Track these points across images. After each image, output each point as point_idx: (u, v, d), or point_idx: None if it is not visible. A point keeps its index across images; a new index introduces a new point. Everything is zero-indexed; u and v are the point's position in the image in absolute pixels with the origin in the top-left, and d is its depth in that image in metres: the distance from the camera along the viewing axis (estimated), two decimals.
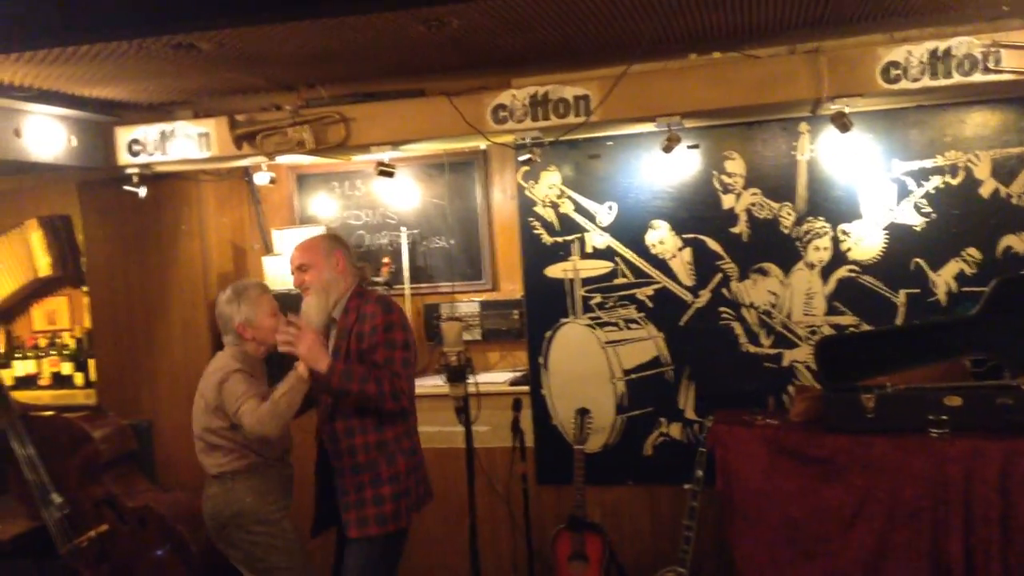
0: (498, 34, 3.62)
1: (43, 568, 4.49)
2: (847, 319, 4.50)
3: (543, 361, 4.87)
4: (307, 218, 5.56)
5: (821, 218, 4.50)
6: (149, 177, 4.94)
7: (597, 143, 4.71)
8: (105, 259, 5.42)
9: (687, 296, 4.66)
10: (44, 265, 5.89)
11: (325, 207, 5.56)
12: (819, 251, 4.52)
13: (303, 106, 4.58)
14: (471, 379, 4.10)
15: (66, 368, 5.95)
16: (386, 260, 5.32)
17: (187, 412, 5.26)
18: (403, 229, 5.37)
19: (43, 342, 6.06)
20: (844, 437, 3.97)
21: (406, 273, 5.33)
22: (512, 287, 5.25)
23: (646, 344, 4.72)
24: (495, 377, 5.00)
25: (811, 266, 4.53)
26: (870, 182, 4.45)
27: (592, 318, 4.78)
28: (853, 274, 4.49)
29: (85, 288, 5.72)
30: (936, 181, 4.38)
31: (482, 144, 4.96)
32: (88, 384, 5.83)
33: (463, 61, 4.08)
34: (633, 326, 4.73)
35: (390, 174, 4.73)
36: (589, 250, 4.78)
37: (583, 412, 4.69)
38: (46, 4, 2.44)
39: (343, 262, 3.62)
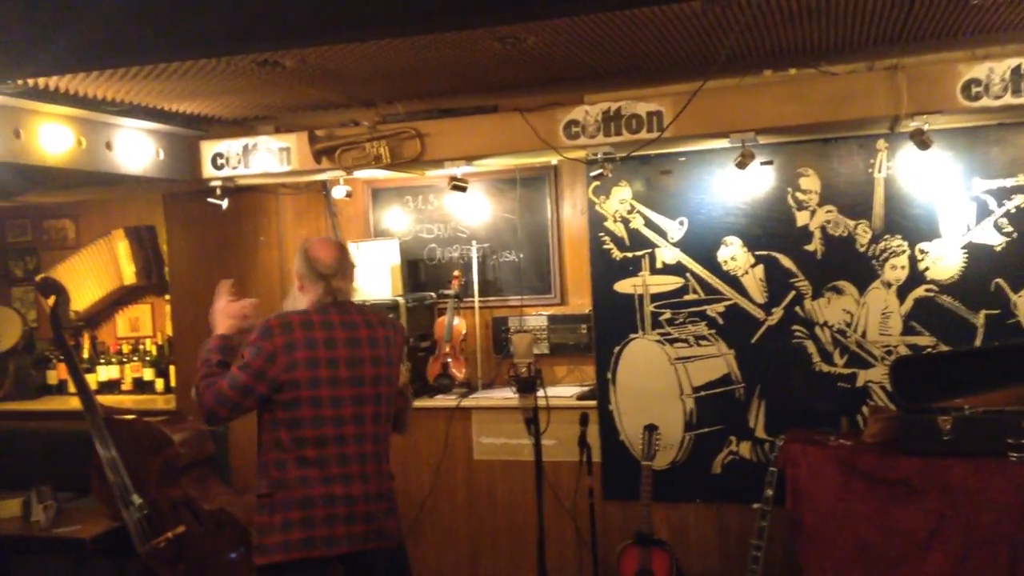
0: (572, 51, 3.66)
1: (122, 567, 4.61)
2: (924, 339, 4.41)
3: (611, 376, 4.86)
4: (381, 231, 5.65)
5: (898, 236, 4.43)
6: (231, 189, 5.08)
7: (669, 159, 4.71)
8: (187, 268, 5.58)
9: (759, 313, 4.62)
10: (129, 273, 6.10)
11: (398, 221, 5.64)
12: (896, 270, 4.44)
13: (380, 122, 4.67)
14: (540, 391, 4.13)
15: (148, 374, 6.15)
16: (456, 273, 5.37)
17: (256, 418, 5.43)
18: (474, 243, 5.41)
19: (126, 348, 6.27)
20: (920, 459, 3.89)
21: (476, 286, 5.37)
22: (580, 301, 5.25)
23: (716, 361, 4.68)
24: (562, 391, 5.00)
25: (888, 285, 4.46)
26: (949, 200, 4.36)
27: (661, 334, 4.76)
28: (931, 294, 4.40)
29: (167, 296, 5.90)
30: (1018, 200, 4.27)
31: (553, 159, 5.01)
32: (168, 389, 6.02)
33: (537, 77, 4.12)
34: (703, 343, 4.70)
35: (463, 189, 4.79)
36: (659, 266, 4.76)
37: (651, 428, 4.67)
38: (137, 23, 2.55)
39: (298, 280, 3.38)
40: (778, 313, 4.59)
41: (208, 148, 4.99)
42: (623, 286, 4.83)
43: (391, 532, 3.22)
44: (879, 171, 4.44)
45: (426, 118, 4.61)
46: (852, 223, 4.49)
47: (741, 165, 4.22)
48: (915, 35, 3.67)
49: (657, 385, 4.76)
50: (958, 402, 3.99)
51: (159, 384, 6.11)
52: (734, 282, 4.65)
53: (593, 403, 4.87)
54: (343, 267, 3.30)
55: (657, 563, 4.51)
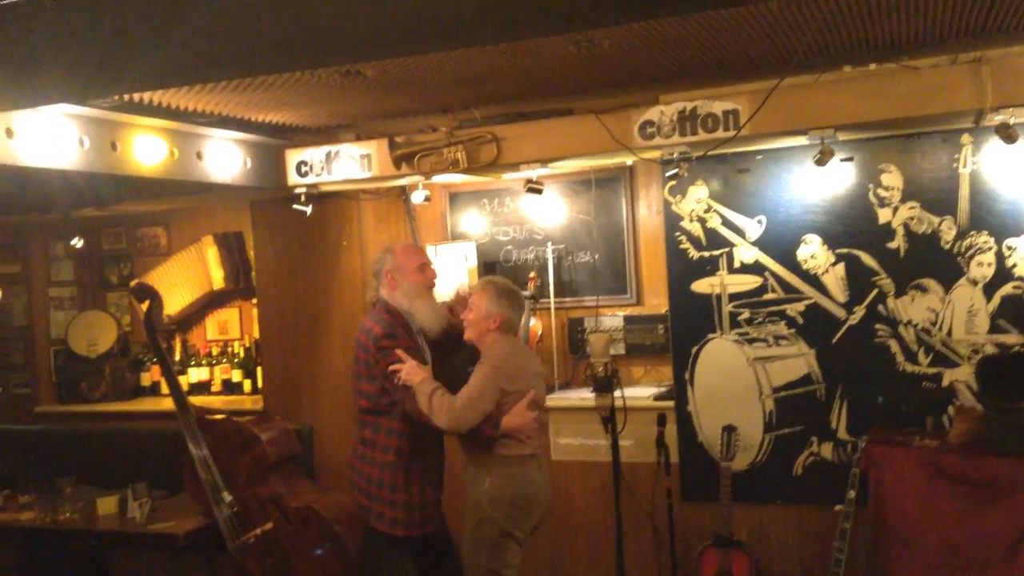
0: (647, 52, 3.66)
1: (213, 562, 4.75)
2: (1012, 338, 4.28)
3: (688, 377, 4.83)
4: (458, 234, 5.71)
5: (985, 232, 4.31)
6: (315, 196, 5.20)
7: (746, 157, 4.67)
8: (273, 273, 5.73)
9: (840, 312, 4.55)
10: (218, 278, 6.26)
11: (475, 224, 5.70)
12: (982, 267, 4.32)
13: (457, 127, 4.73)
14: (617, 391, 4.13)
15: (236, 375, 6.31)
16: (532, 275, 5.40)
17: (345, 419, 5.53)
18: (549, 244, 5.44)
19: (215, 351, 6.45)
20: (1008, 460, 3.78)
21: (551, 287, 5.39)
22: (657, 302, 5.23)
23: (796, 361, 4.62)
24: (639, 392, 4.99)
25: (974, 282, 4.34)
26: None
27: (740, 334, 4.72)
28: (1019, 291, 4.27)
29: (254, 300, 6.06)
30: None
31: (628, 160, 5.00)
32: (255, 390, 6.17)
33: (611, 79, 4.13)
34: (783, 342, 4.65)
35: (538, 191, 4.81)
36: (737, 265, 4.72)
37: (730, 429, 4.63)
38: (226, 39, 2.64)
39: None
40: (860, 312, 4.51)
41: (293, 156, 5.11)
42: (700, 286, 4.81)
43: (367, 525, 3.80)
44: (964, 166, 4.33)
45: (502, 122, 4.66)
46: (936, 219, 4.39)
47: (820, 162, 4.16)
48: (999, 27, 3.57)
49: (736, 386, 4.72)
50: None
51: (247, 385, 6.27)
52: (814, 281, 4.58)
53: (671, 403, 4.85)
54: (374, 268, 3.87)
55: (737, 565, 4.47)
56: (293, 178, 5.12)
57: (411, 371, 3.55)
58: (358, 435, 3.84)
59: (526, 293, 5.30)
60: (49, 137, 3.78)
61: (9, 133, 3.61)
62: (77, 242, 5.98)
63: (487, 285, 3.72)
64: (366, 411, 3.76)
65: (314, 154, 5.05)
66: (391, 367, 3.59)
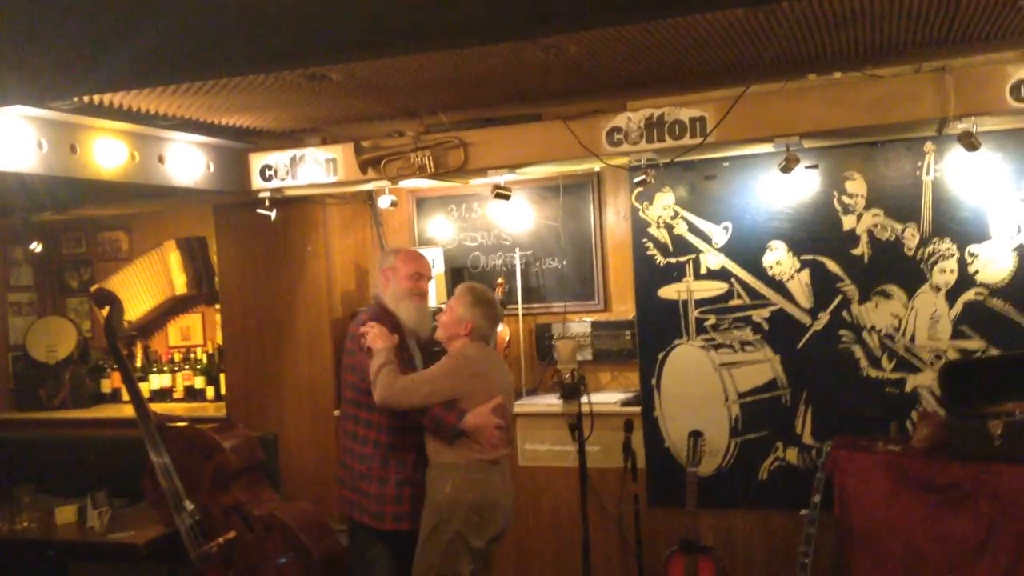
0: (615, 59, 3.66)
1: (175, 572, 4.66)
2: (974, 343, 4.33)
3: (655, 383, 4.84)
4: (425, 240, 5.69)
5: (947, 239, 4.37)
6: (279, 200, 5.16)
7: (713, 164, 4.69)
8: (237, 278, 5.67)
9: (805, 318, 4.58)
10: (180, 284, 6.20)
11: (442, 229, 5.68)
12: (945, 273, 4.38)
13: (424, 132, 4.70)
14: (584, 398, 4.13)
15: (199, 382, 6.24)
16: (500, 281, 5.39)
17: (310, 426, 5.51)
18: (517, 250, 5.44)
19: (178, 357, 6.37)
20: (970, 465, 3.82)
21: (519, 293, 5.40)
22: (624, 307, 5.25)
23: (762, 367, 4.65)
24: (606, 398, 5.00)
25: (936, 288, 4.39)
26: (999, 203, 4.29)
27: (706, 340, 4.74)
28: (980, 297, 4.33)
29: (218, 306, 5.98)
30: None
31: (596, 166, 5.02)
32: (219, 397, 6.10)
33: (579, 85, 4.12)
34: (748, 348, 4.67)
35: (506, 197, 4.80)
36: (703, 271, 4.74)
37: (696, 435, 4.64)
38: (189, 41, 2.61)
39: None
40: (824, 318, 4.54)
41: (257, 160, 5.07)
42: (667, 292, 4.82)
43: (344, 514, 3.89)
44: (927, 174, 4.39)
45: (469, 127, 4.65)
46: (900, 226, 4.43)
47: (786, 169, 4.18)
48: (962, 37, 3.61)
49: (702, 391, 4.74)
50: (1009, 407, 3.92)
51: (210, 392, 6.19)
52: (779, 287, 4.61)
53: (637, 409, 4.86)
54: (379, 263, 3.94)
55: (703, 570, 4.48)
56: (257, 182, 5.07)
57: (376, 336, 3.57)
58: (342, 428, 3.87)
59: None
60: (6, 140, 3.70)
61: None
62: (36, 247, 5.89)
63: (466, 291, 3.74)
64: (349, 402, 3.80)
65: (279, 158, 5.02)
66: (361, 328, 3.63)
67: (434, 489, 3.61)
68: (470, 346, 3.65)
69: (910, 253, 4.42)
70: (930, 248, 4.39)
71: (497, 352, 4.04)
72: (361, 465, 3.73)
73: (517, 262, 5.41)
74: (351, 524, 3.84)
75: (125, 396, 6.08)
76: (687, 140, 4.22)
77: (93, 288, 4.87)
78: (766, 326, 4.64)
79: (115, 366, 6.27)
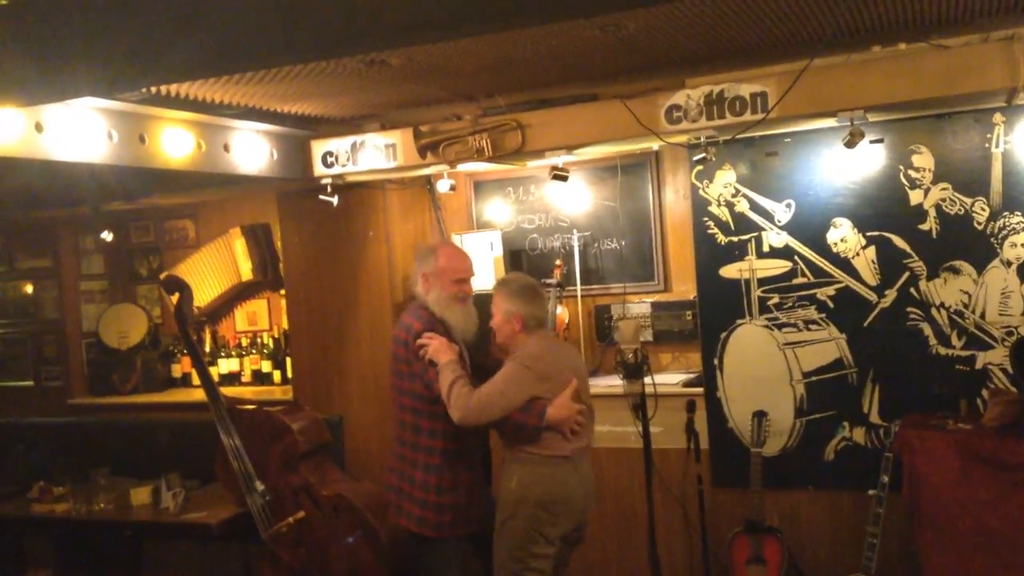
0: (673, 35, 3.62)
1: (247, 551, 4.78)
2: None
3: (718, 363, 4.80)
4: (483, 223, 5.72)
5: (1018, 213, 4.24)
6: (340, 186, 5.22)
7: (774, 140, 4.62)
8: (300, 264, 5.75)
9: (871, 296, 4.50)
10: (246, 270, 6.31)
11: (500, 212, 5.70)
12: (1016, 247, 4.26)
13: (482, 115, 4.72)
14: (647, 378, 4.11)
15: (265, 366, 6.37)
16: (558, 263, 5.40)
17: (374, 408, 5.56)
18: (575, 232, 5.44)
19: (245, 342, 6.50)
20: None
21: (578, 275, 5.40)
22: (684, 288, 5.22)
23: (827, 346, 4.58)
24: (668, 378, 4.98)
25: (1007, 263, 4.28)
26: None
27: (769, 319, 4.69)
28: None
29: (283, 291, 6.09)
30: None
31: (655, 145, 4.98)
32: (285, 381, 6.22)
33: (637, 63, 4.10)
34: (813, 327, 4.61)
35: (564, 178, 4.80)
36: (766, 249, 4.68)
37: (760, 415, 4.60)
38: (253, 30, 2.65)
39: None
40: (891, 295, 4.46)
41: (318, 147, 5.13)
42: (729, 271, 4.78)
43: (397, 523, 3.81)
44: (996, 146, 4.26)
45: (526, 109, 4.65)
46: (969, 200, 4.32)
47: (850, 144, 4.11)
48: None
49: (766, 371, 4.69)
50: None
51: (276, 376, 6.31)
52: (844, 264, 4.54)
53: (700, 390, 4.83)
54: (416, 259, 3.82)
55: (769, 550, 4.45)
56: (319, 169, 5.13)
57: (438, 349, 3.53)
58: (397, 436, 3.77)
59: (551, 281, 5.30)
60: (78, 131, 3.80)
61: (39, 127, 3.64)
62: (106, 236, 6.03)
63: (499, 287, 3.69)
64: (409, 410, 3.69)
65: (339, 144, 5.07)
66: (418, 341, 3.57)
67: (502, 484, 3.60)
68: (530, 342, 3.59)
69: (980, 227, 4.31)
70: (1000, 222, 4.27)
71: (559, 338, 4.00)
72: (428, 475, 3.64)
73: (575, 243, 5.41)
74: (413, 536, 3.72)
75: (195, 380, 6.17)
76: (748, 116, 4.17)
77: (163, 275, 5.00)
78: (831, 304, 4.57)
79: (185, 351, 6.42)
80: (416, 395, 3.65)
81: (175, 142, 4.25)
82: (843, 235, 4.54)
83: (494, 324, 3.67)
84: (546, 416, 3.45)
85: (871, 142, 4.36)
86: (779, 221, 4.66)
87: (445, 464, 3.65)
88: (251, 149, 4.75)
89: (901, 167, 4.42)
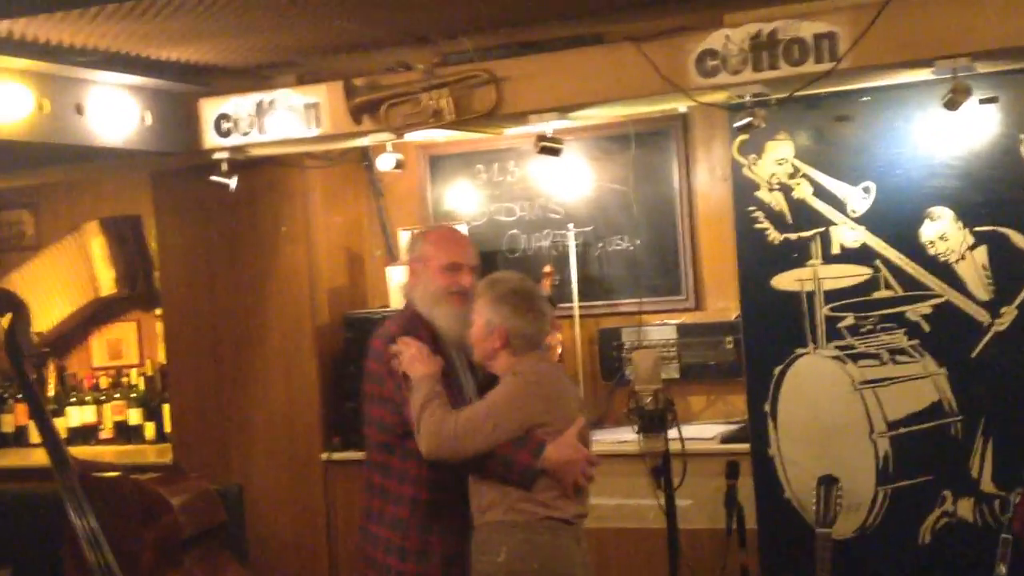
0: None
1: None
2: None
3: (769, 409, 4.80)
4: (443, 214, 5.69)
5: None
6: (241, 164, 5.17)
7: (847, 99, 4.63)
8: (185, 273, 5.69)
9: (982, 315, 4.51)
10: (107, 281, 6.24)
11: (466, 199, 5.68)
12: None
13: (440, 63, 4.70)
14: (671, 431, 4.10)
15: (133, 416, 6.28)
16: (548, 269, 5.37)
17: (288, 474, 5.49)
18: (571, 226, 5.43)
19: (104, 382, 6.42)
20: None
21: (575, 286, 5.38)
22: (723, 304, 5.24)
23: (921, 384, 4.58)
24: (700, 431, 4.98)
25: None
26: None
27: (841, 348, 4.69)
28: None
29: (159, 311, 6.04)
30: None
31: (682, 106, 4.99)
32: (161, 437, 6.14)
33: None
34: (902, 359, 4.61)
35: (556, 151, 4.78)
36: (836, 251, 4.69)
37: (829, 481, 4.59)
38: None
39: None
40: (1010, 314, 4.48)
41: (210, 108, 5.09)
42: (784, 281, 4.77)
43: None
44: None
45: (503, 56, 4.64)
46: None
47: (952, 105, 4.12)
48: None
49: (836, 420, 4.69)
50: None
51: (149, 429, 6.24)
52: (945, 271, 4.55)
53: (745, 447, 4.83)
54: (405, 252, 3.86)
55: None
56: (211, 139, 5.10)
57: (414, 359, 3.52)
58: (365, 479, 3.78)
59: None
60: None
61: None
62: None
63: (485, 287, 3.67)
64: (376, 447, 3.73)
65: (239, 104, 5.04)
66: (391, 348, 3.57)
67: (482, 558, 3.56)
68: (524, 362, 3.59)
69: None
70: None
71: (553, 362, 3.98)
72: (393, 533, 3.63)
73: (571, 243, 5.40)
74: None
75: (35, 436, 6.11)
76: (811, 66, 4.19)
77: None
78: (926, 327, 4.58)
79: (20, 396, 6.31)
80: (385, 426, 3.65)
81: (5, 101, 4.19)
82: (942, 231, 4.55)
83: (471, 336, 3.65)
84: (544, 455, 3.43)
85: (981, 102, 4.37)
86: (854, 212, 4.66)
87: (415, 521, 3.64)
88: (114, 111, 4.70)
89: (1023, 136, 4.44)
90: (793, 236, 4.76)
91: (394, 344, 3.60)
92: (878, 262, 4.64)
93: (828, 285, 4.71)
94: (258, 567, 5.32)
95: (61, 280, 6.35)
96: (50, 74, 4.39)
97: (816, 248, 4.72)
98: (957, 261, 4.55)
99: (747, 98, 4.36)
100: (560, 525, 3.51)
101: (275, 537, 5.43)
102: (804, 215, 4.73)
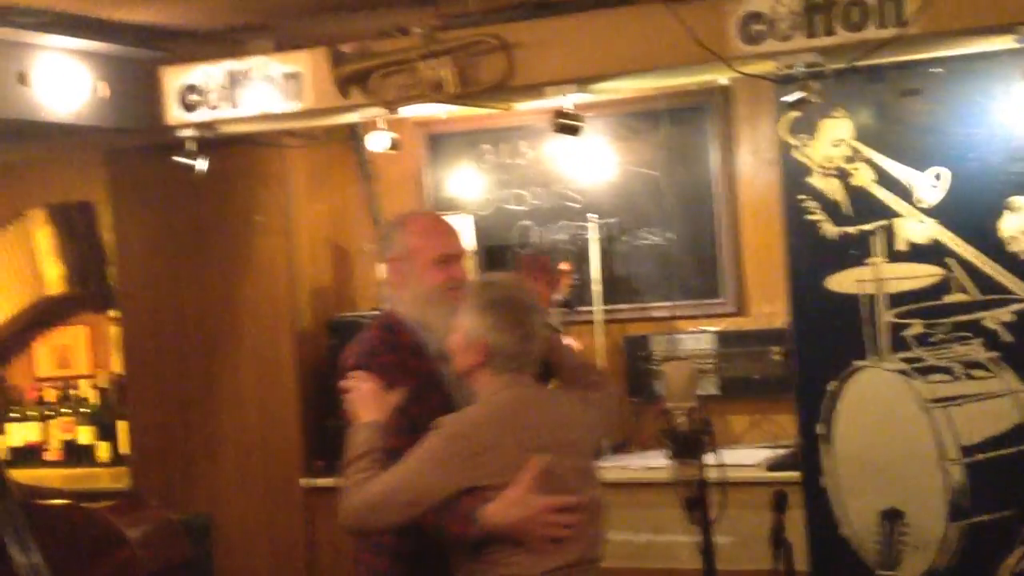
0: None
1: None
2: None
3: (824, 432, 4.80)
4: (443, 202, 5.69)
5: None
6: (211, 143, 5.18)
7: (916, 71, 4.63)
8: (144, 269, 5.72)
9: None
10: (53, 278, 6.24)
11: (471, 185, 5.70)
12: None
13: (441, 27, 4.71)
14: (708, 456, 4.09)
15: (84, 434, 6.27)
16: (565, 266, 5.36)
17: (263, 501, 5.51)
18: (592, 217, 5.44)
19: (51, 395, 6.41)
20: None
21: (596, 287, 5.39)
22: (769, 309, 5.24)
23: (1001, 403, 4.57)
24: (742, 456, 4.99)
25: None
26: None
27: (907, 360, 4.68)
28: None
29: (114, 313, 6.03)
30: None
31: (722, 78, 4.99)
32: (117, 459, 6.14)
33: None
34: (979, 373, 4.60)
35: (575, 130, 4.78)
36: (902, 247, 4.68)
37: (893, 516, 4.60)
38: None
39: None
40: None
41: (174, 78, 5.11)
42: (841, 282, 4.77)
43: None
44: None
45: (514, 19, 4.66)
46: None
47: None
48: None
49: (901, 445, 4.69)
50: None
51: (103, 450, 6.24)
52: None
53: (795, 475, 4.83)
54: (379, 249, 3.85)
55: None
56: (175, 114, 5.12)
57: (364, 400, 3.48)
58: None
59: (553, 298, 5.25)
60: None
61: None
62: None
63: (473, 291, 3.64)
64: None
65: (209, 74, 5.06)
66: (342, 383, 3.53)
67: None
68: (490, 391, 3.53)
69: None
70: None
71: (549, 389, 3.87)
72: None
73: (593, 236, 5.40)
74: None
75: None
76: (873, 32, 4.21)
77: None
78: (1007, 337, 4.57)
79: None
80: None
81: None
82: None
83: (449, 345, 3.62)
84: (484, 514, 3.37)
85: None
86: (922, 202, 4.66)
87: (394, 572, 3.63)
88: (62, 81, 4.72)
89: None
90: (852, 230, 4.75)
91: (346, 371, 3.51)
92: (950, 260, 4.63)
93: (892, 287, 4.71)
94: None
95: (0, 277, 6.36)
96: None
97: (878, 244, 4.72)
98: None
99: (798, 69, 4.36)
100: None
101: (248, 572, 5.42)
102: (864, 205, 4.73)
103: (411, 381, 3.48)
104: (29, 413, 6.40)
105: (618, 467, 5.05)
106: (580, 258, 5.44)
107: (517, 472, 3.29)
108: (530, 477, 3.27)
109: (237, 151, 5.43)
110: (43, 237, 6.25)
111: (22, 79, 4.56)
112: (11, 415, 6.41)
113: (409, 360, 3.56)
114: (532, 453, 3.33)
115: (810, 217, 4.80)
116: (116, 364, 6.11)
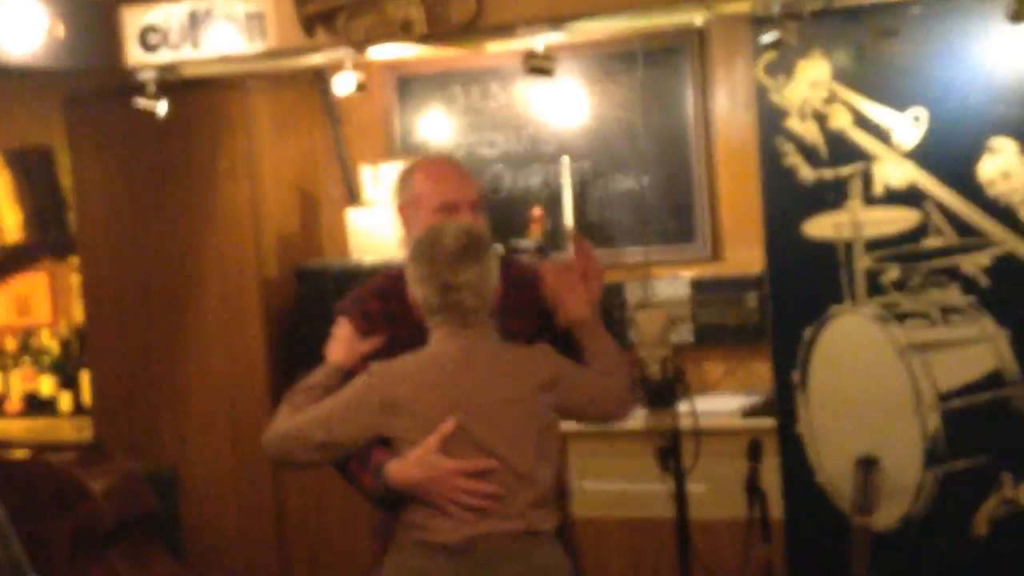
0: None
1: None
2: None
3: (799, 378, 4.82)
4: (413, 146, 5.67)
5: None
6: (172, 86, 5.16)
7: (894, 10, 4.62)
8: (105, 216, 5.69)
9: None
10: (12, 225, 6.24)
11: (441, 128, 5.68)
12: None
13: None
14: (682, 404, 4.11)
15: (46, 385, 6.29)
16: (538, 212, 5.38)
17: (231, 452, 5.52)
18: (565, 160, 5.43)
19: (10, 344, 6.43)
20: None
21: (570, 231, 5.36)
22: (745, 255, 5.24)
23: (978, 349, 4.59)
24: (717, 404, 5.02)
25: None
26: None
27: (884, 305, 4.70)
28: None
29: (74, 261, 6.03)
30: None
31: (697, 18, 4.96)
32: (79, 410, 6.15)
33: None
34: (955, 319, 4.62)
35: (547, 72, 4.78)
36: (879, 191, 4.69)
37: (869, 463, 4.61)
38: None
39: None
40: None
41: (133, 18, 5.07)
42: (818, 227, 4.78)
43: None
44: None
45: None
46: None
47: (1018, 17, 4.11)
48: None
49: (878, 391, 4.71)
50: None
51: (64, 401, 6.25)
52: (1007, 215, 4.56)
53: (770, 423, 4.86)
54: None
55: None
56: (135, 55, 5.09)
57: (336, 343, 3.49)
58: None
59: (527, 243, 5.26)
60: None
61: None
62: None
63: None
64: None
65: (169, 13, 5.03)
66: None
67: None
68: (431, 341, 3.47)
69: None
70: None
71: (501, 346, 3.72)
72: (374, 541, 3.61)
73: (566, 181, 5.40)
74: None
75: None
76: None
77: None
78: (985, 282, 4.59)
79: None
80: None
81: None
82: (1005, 167, 4.55)
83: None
84: (385, 475, 3.33)
85: None
86: (900, 144, 4.66)
87: (379, 532, 3.63)
88: (17, 21, 4.69)
89: None
90: (829, 173, 4.75)
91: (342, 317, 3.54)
92: (929, 204, 4.64)
93: (869, 231, 4.71)
94: (195, 563, 5.36)
95: None
96: None
97: (856, 188, 4.72)
98: (1022, 203, 4.57)
99: (775, 9, 4.36)
100: (433, 551, 3.37)
101: (215, 528, 5.46)
102: (842, 148, 4.73)
103: (400, 331, 3.47)
104: None
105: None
106: (553, 203, 5.43)
107: (424, 432, 3.24)
108: (437, 437, 3.17)
109: (200, 94, 5.41)
110: (0, 183, 6.22)
111: None
112: None
113: (399, 309, 3.53)
114: (452, 412, 3.28)
115: (787, 161, 4.80)
116: (77, 313, 6.11)
